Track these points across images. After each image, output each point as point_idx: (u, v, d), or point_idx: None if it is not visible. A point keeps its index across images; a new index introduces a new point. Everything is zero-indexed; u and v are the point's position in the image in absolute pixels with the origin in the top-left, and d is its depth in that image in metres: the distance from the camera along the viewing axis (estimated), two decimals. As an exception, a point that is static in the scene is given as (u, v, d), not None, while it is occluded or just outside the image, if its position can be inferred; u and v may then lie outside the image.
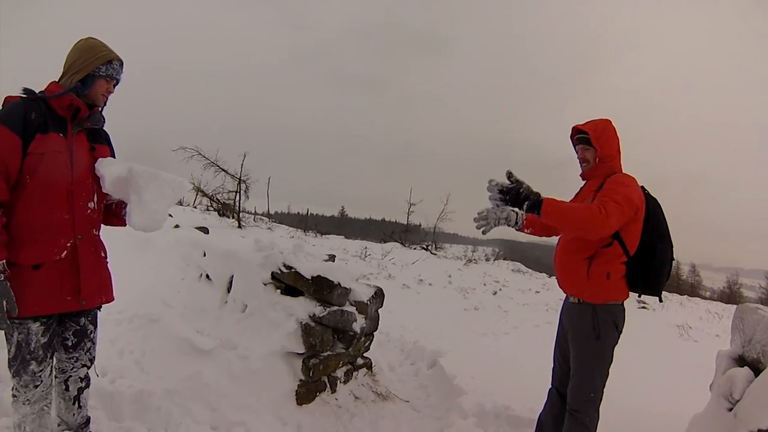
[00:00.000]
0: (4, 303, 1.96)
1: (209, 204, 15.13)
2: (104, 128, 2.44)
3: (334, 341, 4.05)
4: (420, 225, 21.68)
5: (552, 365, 3.12)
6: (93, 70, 2.25)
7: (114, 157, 2.45)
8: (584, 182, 2.96)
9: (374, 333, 4.66)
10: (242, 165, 14.82)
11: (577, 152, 2.96)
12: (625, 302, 2.79)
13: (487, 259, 19.47)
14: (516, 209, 2.62)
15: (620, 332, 2.78)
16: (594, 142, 2.79)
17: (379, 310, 4.67)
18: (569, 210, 2.52)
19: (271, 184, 17.17)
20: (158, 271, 5.02)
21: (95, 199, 2.28)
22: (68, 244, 2.16)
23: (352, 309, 4.13)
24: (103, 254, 2.38)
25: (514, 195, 2.56)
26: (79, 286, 2.19)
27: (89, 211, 2.25)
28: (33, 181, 2.07)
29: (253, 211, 18.14)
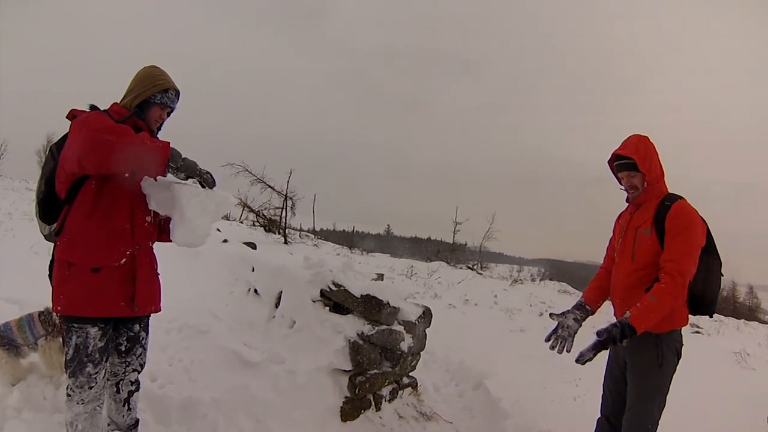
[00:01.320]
0: None
1: (255, 219, 15.39)
2: None
3: (381, 360, 4.04)
4: (465, 244, 21.49)
5: (601, 392, 3.01)
6: (149, 97, 2.37)
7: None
8: (631, 206, 2.84)
9: (421, 353, 4.63)
10: (288, 181, 15.08)
11: (620, 179, 2.83)
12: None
13: (533, 280, 19.08)
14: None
15: (680, 359, 2.68)
16: (640, 166, 2.67)
17: (426, 330, 4.64)
18: (657, 311, 2.45)
19: (316, 200, 17.40)
20: (207, 284, 5.12)
21: (151, 213, 2.39)
22: (127, 253, 2.27)
23: (400, 328, 4.12)
24: (155, 266, 2.49)
25: (608, 339, 2.43)
26: (133, 294, 2.29)
27: (146, 224, 2.38)
28: (99, 189, 2.20)
29: (298, 228, 18.41)
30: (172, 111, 2.51)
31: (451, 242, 19.69)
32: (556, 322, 2.85)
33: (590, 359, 2.45)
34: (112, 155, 2.00)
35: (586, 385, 3.73)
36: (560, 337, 2.78)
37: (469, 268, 16.20)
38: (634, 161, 2.69)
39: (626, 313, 2.47)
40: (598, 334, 2.46)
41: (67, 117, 2.25)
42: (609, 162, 2.85)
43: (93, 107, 2.31)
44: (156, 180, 2.34)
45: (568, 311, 2.89)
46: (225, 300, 4.72)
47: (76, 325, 2.21)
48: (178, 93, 2.48)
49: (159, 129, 2.53)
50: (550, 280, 19.32)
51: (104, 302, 2.20)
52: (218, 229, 9.68)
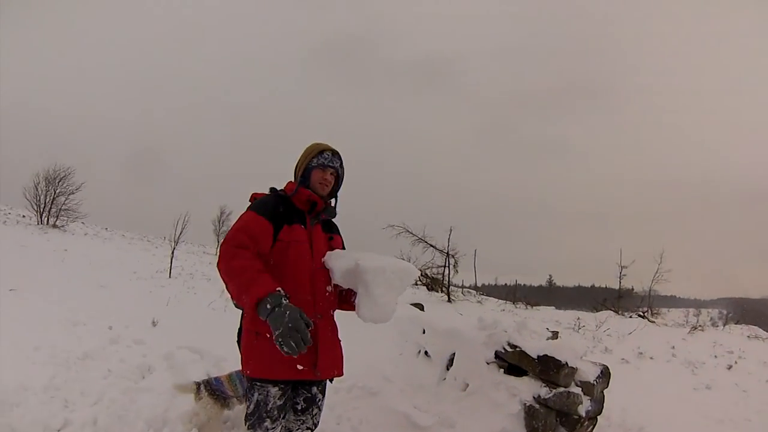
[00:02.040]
0: (300, 316, 2.14)
1: (418, 279, 15.71)
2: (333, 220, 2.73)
3: (557, 425, 3.85)
4: (632, 289, 19.78)
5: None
6: (308, 164, 2.56)
7: (344, 247, 2.71)
8: None
9: (597, 417, 4.34)
10: (449, 239, 15.25)
11: None
12: None
13: (714, 324, 16.91)
14: None
15: None
16: None
17: (605, 391, 4.36)
18: None
19: (477, 256, 17.37)
20: (377, 345, 5.29)
21: (331, 283, 2.51)
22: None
23: (578, 390, 3.92)
24: (336, 332, 2.60)
25: None
26: (315, 360, 2.39)
27: (327, 293, 2.50)
28: (281, 264, 2.38)
29: (460, 285, 18.41)
30: (336, 171, 2.62)
31: (618, 288, 18.25)
32: None
33: None
34: (222, 275, 2.27)
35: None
36: None
37: (639, 315, 14.89)
38: None
39: None
40: None
41: (249, 200, 2.56)
42: None
43: (272, 189, 2.58)
44: (339, 253, 2.52)
45: None
46: (395, 362, 4.84)
47: (258, 383, 2.38)
48: (334, 153, 2.61)
49: (333, 195, 2.67)
50: (735, 323, 17.01)
51: (288, 368, 2.32)
52: None
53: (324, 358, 2.44)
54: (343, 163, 2.67)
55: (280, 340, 2.08)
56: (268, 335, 2.25)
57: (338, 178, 2.67)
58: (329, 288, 2.51)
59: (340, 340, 2.63)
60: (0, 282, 7.18)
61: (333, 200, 2.70)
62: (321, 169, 2.56)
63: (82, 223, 21.87)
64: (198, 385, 3.68)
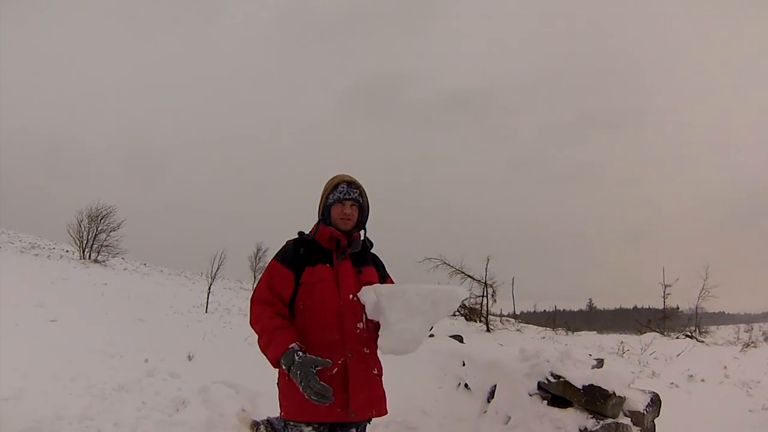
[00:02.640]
0: (312, 368, 2.12)
1: (456, 310, 15.61)
2: (372, 251, 2.62)
3: (607, 457, 3.67)
4: (678, 308, 19.08)
5: None
6: (326, 202, 2.49)
7: (385, 274, 2.62)
8: None
9: (650, 447, 4.11)
10: (486, 268, 15.15)
11: None
12: None
13: (767, 340, 16.09)
14: None
15: None
16: None
17: (655, 420, 4.14)
18: None
19: (515, 283, 17.19)
20: (415, 379, 5.18)
21: (364, 319, 2.38)
22: (339, 362, 2.29)
23: (627, 420, 3.73)
24: (375, 371, 2.45)
25: None
26: (347, 400, 2.28)
27: (359, 330, 2.37)
28: (306, 307, 2.34)
29: (499, 313, 18.22)
30: (356, 202, 2.51)
31: (662, 308, 17.62)
32: None
33: None
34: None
35: None
36: None
37: (686, 336, 14.30)
38: None
39: None
40: None
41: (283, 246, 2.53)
42: None
43: (299, 233, 2.52)
44: (374, 286, 2.39)
45: None
46: (434, 395, 4.73)
47: (292, 424, 2.32)
48: (351, 183, 2.50)
49: (361, 226, 2.56)
50: (791, 336, 16.18)
51: (321, 409, 2.22)
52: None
53: (357, 399, 2.33)
54: (364, 191, 2.57)
55: (305, 394, 2.10)
56: None
57: (361, 209, 2.55)
58: (360, 325, 2.38)
59: (379, 378, 2.49)
60: (41, 313, 7.38)
61: (362, 231, 2.58)
62: (339, 204, 2.47)
63: (122, 258, 22.46)
64: (257, 424, 3.60)
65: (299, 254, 2.43)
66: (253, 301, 2.37)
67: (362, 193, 2.54)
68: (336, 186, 2.49)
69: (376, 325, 2.39)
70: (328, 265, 2.43)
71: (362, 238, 2.56)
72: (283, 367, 2.15)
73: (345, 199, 2.47)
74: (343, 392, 2.28)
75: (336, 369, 2.29)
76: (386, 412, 2.51)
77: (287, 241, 2.53)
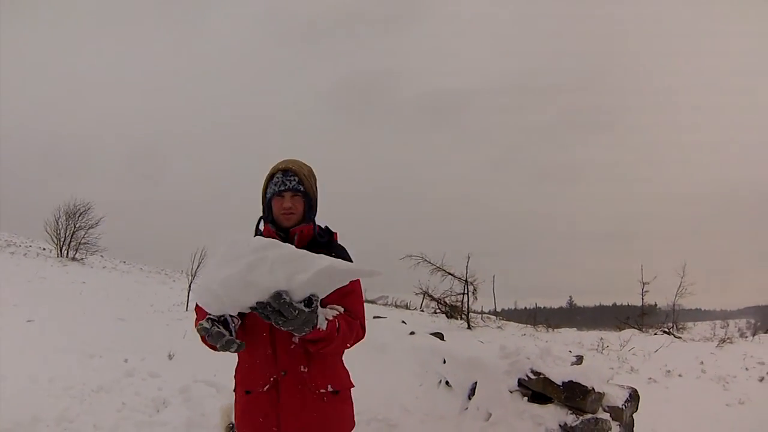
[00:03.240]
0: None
1: (437, 307, 15.72)
2: (338, 242, 2.21)
3: (586, 453, 3.72)
4: (656, 305, 19.43)
5: None
6: (264, 195, 2.16)
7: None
8: None
9: (628, 441, 4.18)
10: (467, 266, 15.24)
11: None
12: None
13: (743, 335, 16.45)
14: None
15: None
16: None
17: (634, 415, 4.21)
18: None
19: (496, 281, 17.32)
20: (396, 376, 5.20)
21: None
22: (271, 379, 2.03)
23: (606, 416, 3.78)
24: (323, 390, 2.06)
25: None
26: (278, 425, 2.02)
27: (293, 346, 2.01)
28: (245, 319, 1.99)
29: (480, 311, 18.36)
30: (295, 192, 2.07)
31: (641, 305, 17.92)
32: None
33: None
34: None
35: None
36: None
37: (664, 332, 14.56)
38: None
39: None
40: None
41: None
42: None
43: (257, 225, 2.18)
44: None
45: None
46: (415, 393, 4.75)
47: None
48: (286, 170, 2.08)
49: (309, 217, 2.12)
50: (765, 332, 16.55)
51: (256, 427, 2.06)
52: (404, 321, 10.06)
53: (288, 425, 2.02)
54: (307, 176, 2.14)
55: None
56: (239, 388, 2.14)
57: (306, 197, 2.11)
58: (296, 339, 1.96)
59: (330, 398, 2.09)
60: (18, 313, 7.25)
61: (313, 226, 2.14)
62: (278, 197, 2.08)
63: (101, 256, 22.16)
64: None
65: None
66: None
67: (302, 180, 2.11)
68: (272, 177, 2.12)
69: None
70: None
71: (316, 230, 2.15)
72: (202, 334, 1.72)
73: (282, 192, 2.08)
74: (273, 412, 2.03)
75: (267, 386, 2.04)
76: None
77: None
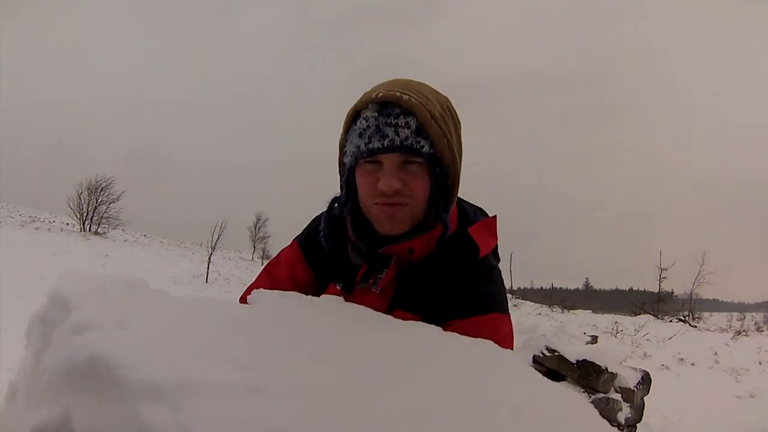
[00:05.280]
0: None
1: None
2: None
3: (597, 432, 3.80)
4: (673, 292, 19.30)
5: None
6: (341, 166, 1.32)
7: None
8: None
9: (636, 425, 4.24)
10: None
11: None
12: None
13: (759, 329, 16.33)
14: None
15: None
16: None
17: (645, 398, 4.27)
18: None
19: (513, 259, 17.37)
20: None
21: None
22: None
23: (618, 396, 3.86)
24: None
25: None
26: None
27: None
28: None
29: None
30: (405, 150, 1.02)
31: (657, 291, 17.81)
32: None
33: None
34: None
35: None
36: None
37: (680, 320, 14.53)
38: None
39: None
40: None
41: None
42: None
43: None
44: None
45: None
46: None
47: None
48: (385, 104, 1.04)
49: (438, 215, 1.09)
50: (782, 327, 16.44)
51: None
52: None
53: None
54: (441, 119, 1.07)
55: None
56: None
57: (438, 168, 1.07)
58: None
59: None
60: (44, 286, 7.49)
61: (442, 230, 1.11)
62: (367, 164, 1.07)
63: (123, 230, 22.57)
64: None
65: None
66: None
67: (426, 127, 1.08)
68: (354, 118, 1.13)
69: None
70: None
71: (445, 237, 1.19)
72: None
73: (377, 151, 1.13)
74: None
75: None
76: None
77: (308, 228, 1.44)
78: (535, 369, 3.27)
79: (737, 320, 19.31)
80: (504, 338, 1.09)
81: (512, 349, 1.19)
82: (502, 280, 1.24)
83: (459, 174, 1.11)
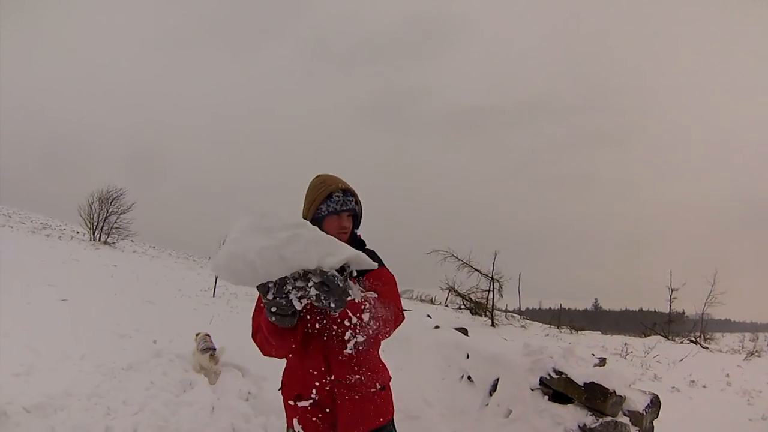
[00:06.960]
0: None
1: (462, 303, 15.69)
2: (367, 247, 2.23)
3: (605, 455, 3.71)
4: (683, 313, 18.95)
5: None
6: (316, 212, 2.09)
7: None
8: None
9: (647, 448, 4.15)
10: (494, 263, 15.16)
11: None
12: None
13: (774, 350, 15.98)
14: None
15: None
16: None
17: (654, 421, 4.17)
18: None
19: (521, 280, 17.19)
20: (419, 369, 5.24)
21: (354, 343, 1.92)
22: (326, 389, 2.05)
23: (626, 420, 3.77)
24: (372, 390, 2.10)
25: None
26: (335, 423, 2.06)
27: (342, 358, 2.04)
28: (302, 325, 1.98)
29: (504, 309, 18.27)
30: (352, 212, 2.12)
31: (667, 312, 17.52)
32: None
33: None
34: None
35: None
36: None
37: (691, 341, 14.27)
38: None
39: None
40: None
41: None
42: None
43: None
44: None
45: None
46: (437, 386, 4.78)
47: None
48: (346, 191, 2.10)
49: (354, 234, 2.18)
50: (797, 348, 16.07)
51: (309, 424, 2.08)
52: (429, 315, 10.09)
53: (345, 422, 2.05)
54: (358, 196, 2.16)
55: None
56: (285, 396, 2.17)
57: (356, 218, 2.19)
58: (348, 350, 1.88)
59: (376, 395, 2.12)
60: (53, 293, 7.50)
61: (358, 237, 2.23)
62: (335, 216, 2.09)
63: (132, 241, 22.67)
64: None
65: None
66: (253, 336, 2.07)
67: (357, 201, 2.16)
68: (329, 195, 2.08)
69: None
70: None
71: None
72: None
73: (342, 211, 2.09)
74: (330, 415, 2.07)
75: (321, 395, 2.06)
76: (386, 420, 2.19)
77: None
78: (542, 391, 3.24)
79: (750, 340, 18.90)
80: (391, 280, 2.13)
81: (397, 285, 2.16)
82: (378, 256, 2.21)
83: (361, 216, 2.21)
